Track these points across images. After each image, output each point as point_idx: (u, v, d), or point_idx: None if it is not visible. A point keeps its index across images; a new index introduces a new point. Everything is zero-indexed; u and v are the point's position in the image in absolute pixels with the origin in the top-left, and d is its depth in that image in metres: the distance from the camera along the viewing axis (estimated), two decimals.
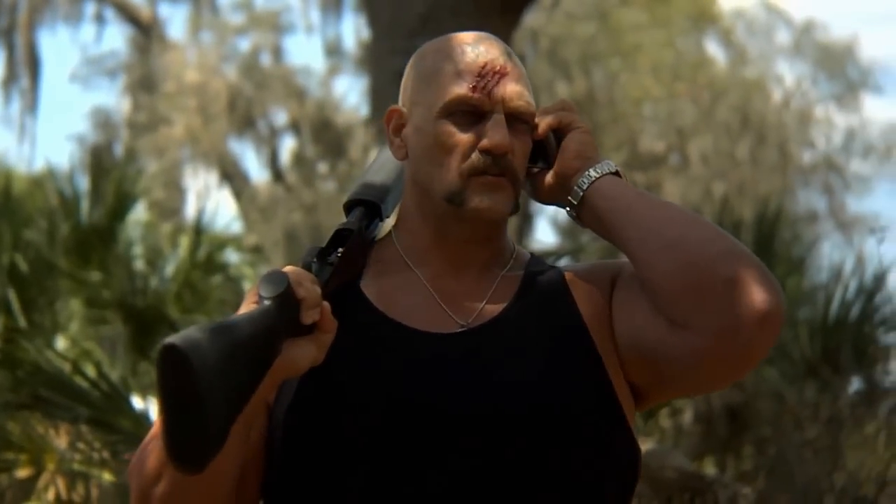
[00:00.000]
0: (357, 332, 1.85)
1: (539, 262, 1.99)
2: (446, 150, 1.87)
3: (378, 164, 2.05)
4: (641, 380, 1.85)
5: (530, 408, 1.78)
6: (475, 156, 1.86)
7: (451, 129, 1.87)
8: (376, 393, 1.80)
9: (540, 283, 1.93)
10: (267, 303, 1.65)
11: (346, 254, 1.89)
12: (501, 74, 1.88)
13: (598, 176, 1.88)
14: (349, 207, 1.99)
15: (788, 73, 23.55)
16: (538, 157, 1.96)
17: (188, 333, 1.55)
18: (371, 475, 1.77)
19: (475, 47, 1.91)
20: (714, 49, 23.04)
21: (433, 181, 1.89)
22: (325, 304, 1.72)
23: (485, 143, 1.85)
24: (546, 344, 1.86)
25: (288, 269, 1.72)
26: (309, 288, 1.70)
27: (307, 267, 1.82)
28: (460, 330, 1.86)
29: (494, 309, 1.89)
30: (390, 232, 1.99)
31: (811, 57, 23.28)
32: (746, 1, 24.04)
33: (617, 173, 1.90)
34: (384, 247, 1.97)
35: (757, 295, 1.71)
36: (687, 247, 1.77)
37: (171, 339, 1.54)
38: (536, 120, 1.93)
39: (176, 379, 1.53)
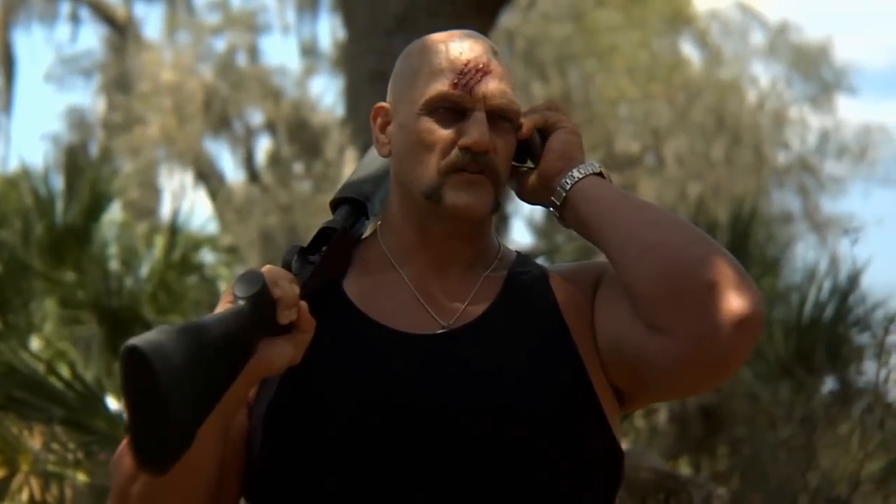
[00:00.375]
0: (337, 332, 1.85)
1: (525, 262, 1.98)
2: (426, 147, 1.86)
3: (366, 161, 2.04)
4: (622, 382, 1.84)
5: (508, 409, 1.78)
6: (454, 153, 1.85)
7: (432, 125, 1.86)
8: (354, 393, 1.79)
9: (523, 284, 1.92)
10: (241, 303, 1.64)
11: (328, 252, 1.89)
12: (484, 72, 1.87)
13: (580, 177, 1.86)
14: (335, 205, 1.99)
15: (763, 75, 23.64)
16: (526, 156, 1.95)
17: (151, 335, 1.54)
18: (346, 475, 1.77)
19: (459, 45, 1.90)
20: (689, 50, 23.12)
21: (413, 178, 1.88)
22: (303, 303, 1.71)
23: (464, 140, 1.84)
24: (526, 346, 1.85)
25: (266, 268, 1.71)
26: (286, 287, 1.68)
27: (287, 266, 1.82)
28: (441, 331, 1.85)
29: (476, 310, 1.88)
30: (376, 230, 1.99)
31: (786, 58, 23.35)
32: (721, 2, 24.10)
33: (601, 174, 1.88)
34: (369, 245, 1.97)
35: (735, 300, 1.69)
36: (666, 251, 1.75)
37: (133, 340, 1.53)
38: (522, 119, 1.92)
39: (138, 381, 1.53)
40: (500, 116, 1.88)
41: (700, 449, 6.27)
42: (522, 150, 1.94)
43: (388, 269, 1.92)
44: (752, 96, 23.09)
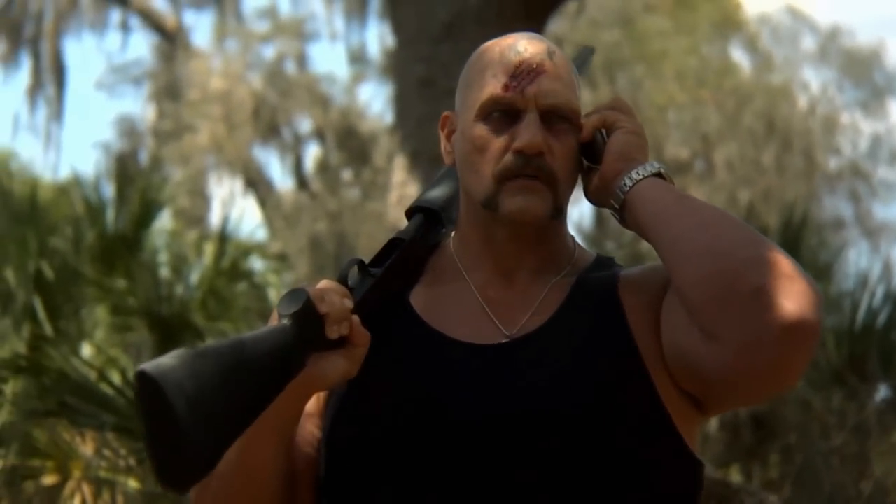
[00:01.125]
0: (399, 344, 1.84)
1: (602, 266, 1.92)
2: (481, 154, 1.83)
3: (444, 169, 2.03)
4: (691, 388, 1.76)
5: (563, 420, 1.73)
6: (508, 157, 1.81)
7: (486, 132, 1.83)
8: (409, 404, 1.78)
9: (590, 290, 1.86)
10: (284, 321, 1.65)
11: (392, 264, 1.87)
12: (538, 72, 1.83)
13: (638, 178, 1.81)
14: (410, 214, 1.97)
15: (814, 80, 23.49)
16: (593, 157, 1.91)
17: (166, 359, 1.55)
18: (402, 485, 1.75)
19: (514, 47, 1.86)
20: (739, 55, 23.00)
21: (472, 186, 1.86)
22: (355, 317, 1.71)
23: (516, 143, 1.80)
24: (588, 354, 1.79)
25: (322, 283, 1.71)
26: (334, 302, 1.68)
27: (343, 279, 1.80)
28: (503, 341, 1.82)
29: (540, 319, 1.83)
30: (449, 239, 1.96)
31: (837, 63, 23.20)
32: (772, 7, 23.97)
33: (661, 174, 1.82)
34: (442, 254, 1.95)
35: (784, 306, 1.60)
36: (714, 253, 1.68)
37: (146, 365, 1.54)
38: (584, 120, 1.87)
39: (151, 405, 1.53)
40: (556, 117, 1.83)
41: (751, 456, 6.23)
42: (590, 151, 1.89)
43: (458, 277, 1.90)
44: (802, 101, 22.94)
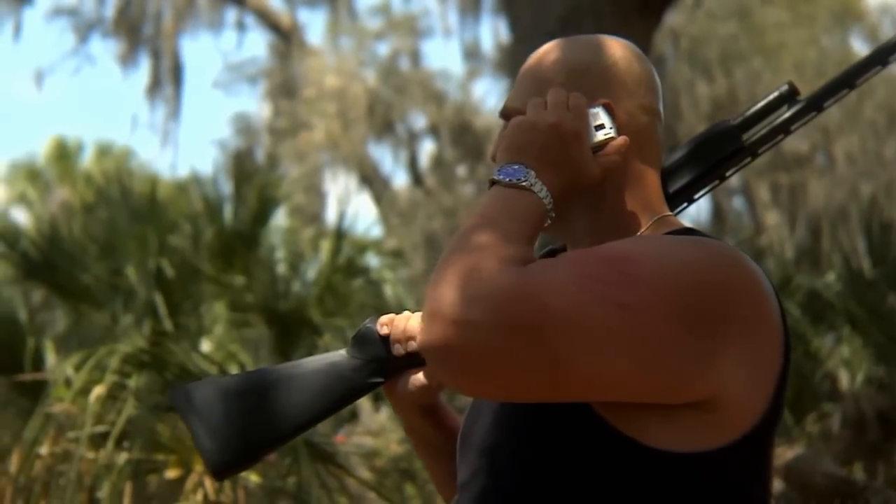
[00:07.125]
0: None
1: None
2: None
3: None
4: None
5: (508, 432, 1.68)
6: None
7: None
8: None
9: None
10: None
11: None
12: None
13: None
14: None
15: None
16: None
17: (197, 382, 1.89)
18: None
19: None
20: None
21: None
22: None
23: None
24: None
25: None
26: (397, 325, 1.83)
27: None
28: None
29: None
30: None
31: None
32: None
33: (494, 182, 1.71)
34: None
35: (421, 336, 1.53)
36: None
37: (178, 385, 1.93)
38: None
39: (177, 412, 1.88)
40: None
41: (876, 454, 6.12)
42: None
43: None
44: None
